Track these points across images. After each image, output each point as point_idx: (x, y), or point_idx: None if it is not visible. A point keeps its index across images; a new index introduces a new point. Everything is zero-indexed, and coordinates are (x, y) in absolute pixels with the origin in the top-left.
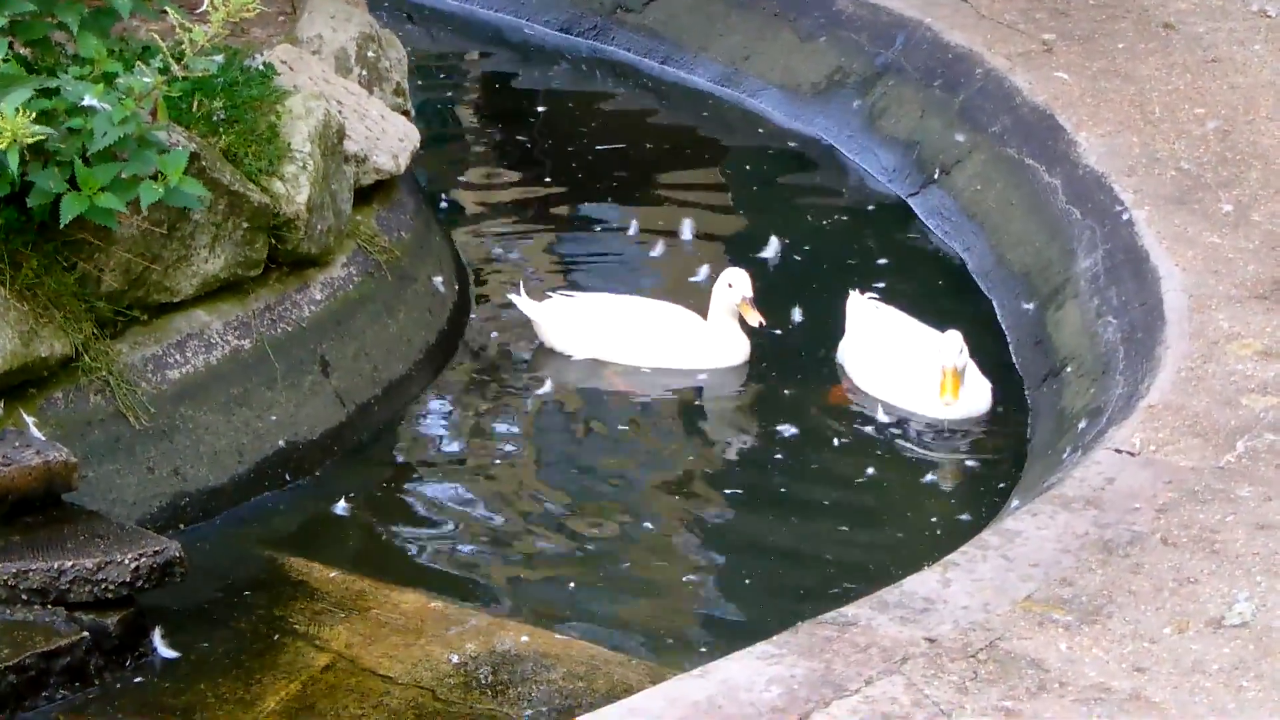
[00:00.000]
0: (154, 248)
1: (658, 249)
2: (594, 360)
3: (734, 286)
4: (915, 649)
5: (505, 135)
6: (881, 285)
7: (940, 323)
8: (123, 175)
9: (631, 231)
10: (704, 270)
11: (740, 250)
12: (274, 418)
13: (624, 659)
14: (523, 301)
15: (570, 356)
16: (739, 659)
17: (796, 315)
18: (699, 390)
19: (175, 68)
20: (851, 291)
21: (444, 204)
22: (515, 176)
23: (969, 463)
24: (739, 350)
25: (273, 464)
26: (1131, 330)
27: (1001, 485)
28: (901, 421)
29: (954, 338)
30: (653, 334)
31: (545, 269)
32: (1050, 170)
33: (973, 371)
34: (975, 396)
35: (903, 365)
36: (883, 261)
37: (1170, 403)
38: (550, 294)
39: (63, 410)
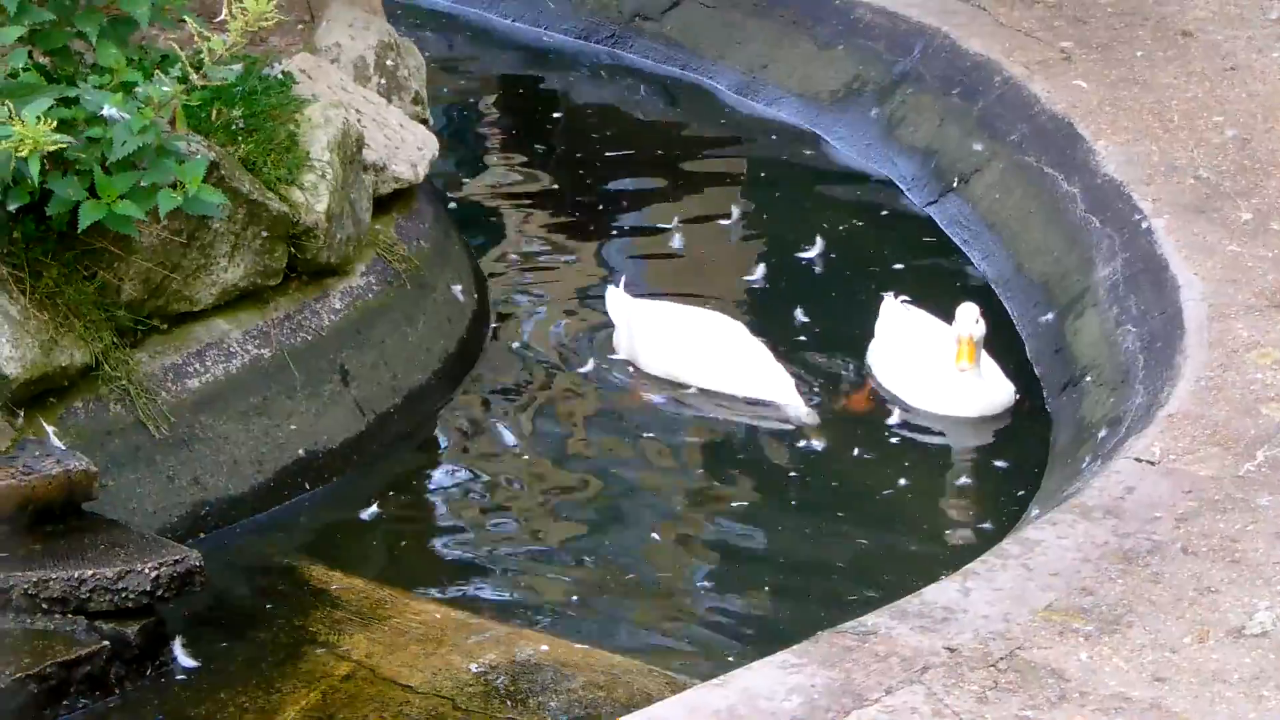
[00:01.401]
0: (173, 256)
1: (677, 241)
2: (624, 370)
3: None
4: (935, 658)
5: (524, 143)
6: (900, 293)
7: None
8: (142, 184)
9: (672, 224)
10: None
11: (768, 255)
12: (294, 427)
13: (644, 668)
14: (615, 297)
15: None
16: (759, 668)
17: (814, 321)
18: (721, 399)
19: (194, 77)
20: (885, 295)
21: (463, 212)
22: (534, 184)
23: (988, 471)
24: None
25: (292, 473)
26: (1151, 339)
27: (1021, 494)
28: (921, 429)
29: (970, 309)
30: (722, 359)
31: (565, 275)
32: (1069, 179)
33: (994, 369)
34: (996, 391)
35: (931, 367)
36: (901, 269)
37: (1190, 412)
38: (637, 297)
39: (83, 419)
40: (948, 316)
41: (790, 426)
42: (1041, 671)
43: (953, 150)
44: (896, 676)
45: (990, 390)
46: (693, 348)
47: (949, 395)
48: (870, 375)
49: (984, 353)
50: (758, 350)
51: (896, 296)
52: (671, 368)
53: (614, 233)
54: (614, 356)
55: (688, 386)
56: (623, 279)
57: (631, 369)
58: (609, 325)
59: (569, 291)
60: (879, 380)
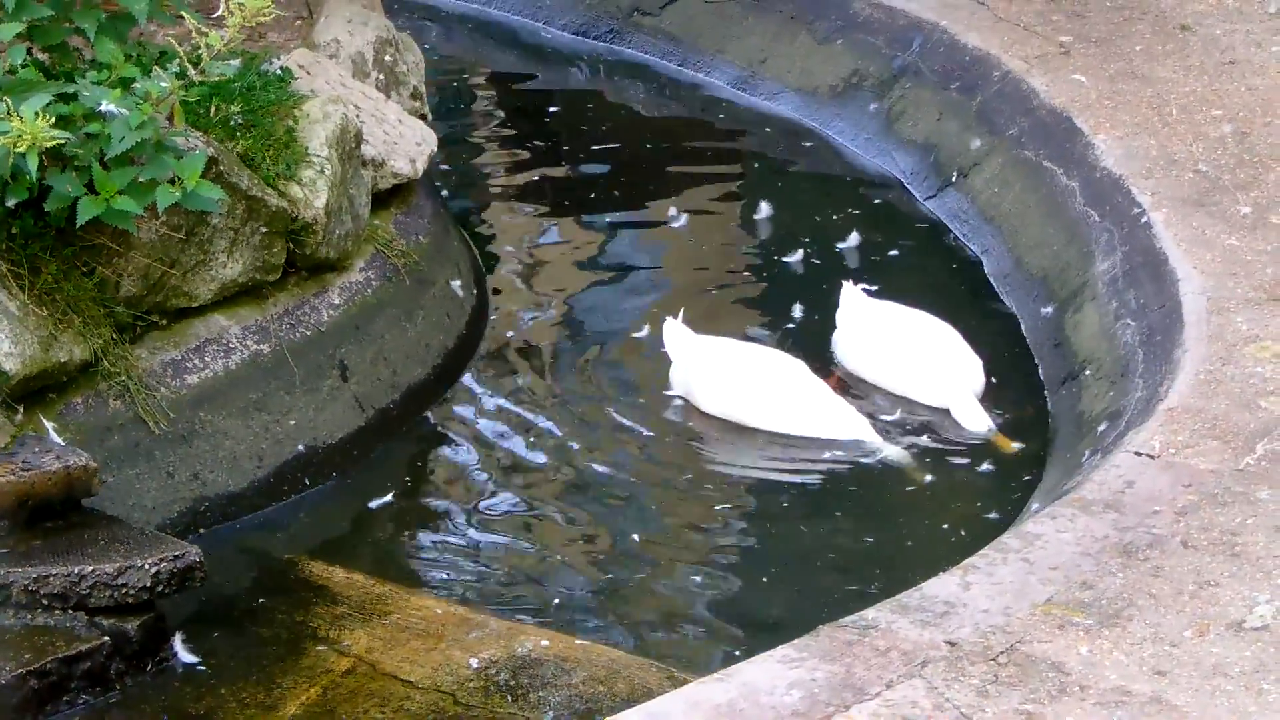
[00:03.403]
0: (172, 252)
1: (681, 223)
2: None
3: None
4: (936, 652)
5: (523, 138)
6: (900, 287)
7: (959, 327)
8: (140, 179)
9: (677, 221)
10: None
11: (771, 248)
12: (293, 422)
13: (644, 663)
14: (673, 330)
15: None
16: (759, 662)
17: (812, 315)
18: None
19: (192, 72)
20: (844, 284)
21: (462, 207)
22: (533, 179)
23: (987, 466)
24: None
25: (292, 468)
26: (1150, 333)
27: (1021, 487)
28: (917, 423)
29: (979, 420)
30: (789, 401)
31: (563, 269)
32: (1068, 173)
33: (963, 349)
34: (970, 377)
35: (899, 352)
36: (901, 265)
37: (1189, 405)
38: (683, 330)
39: (82, 415)
40: (942, 313)
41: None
42: (1042, 665)
43: (952, 144)
44: (897, 670)
45: (957, 375)
46: (755, 389)
47: (921, 383)
48: (837, 364)
49: (956, 334)
50: (824, 391)
51: (855, 284)
52: (731, 409)
53: (613, 227)
54: (669, 392)
55: (749, 428)
56: (681, 312)
57: (685, 404)
58: (606, 321)
59: (567, 285)
60: (846, 368)
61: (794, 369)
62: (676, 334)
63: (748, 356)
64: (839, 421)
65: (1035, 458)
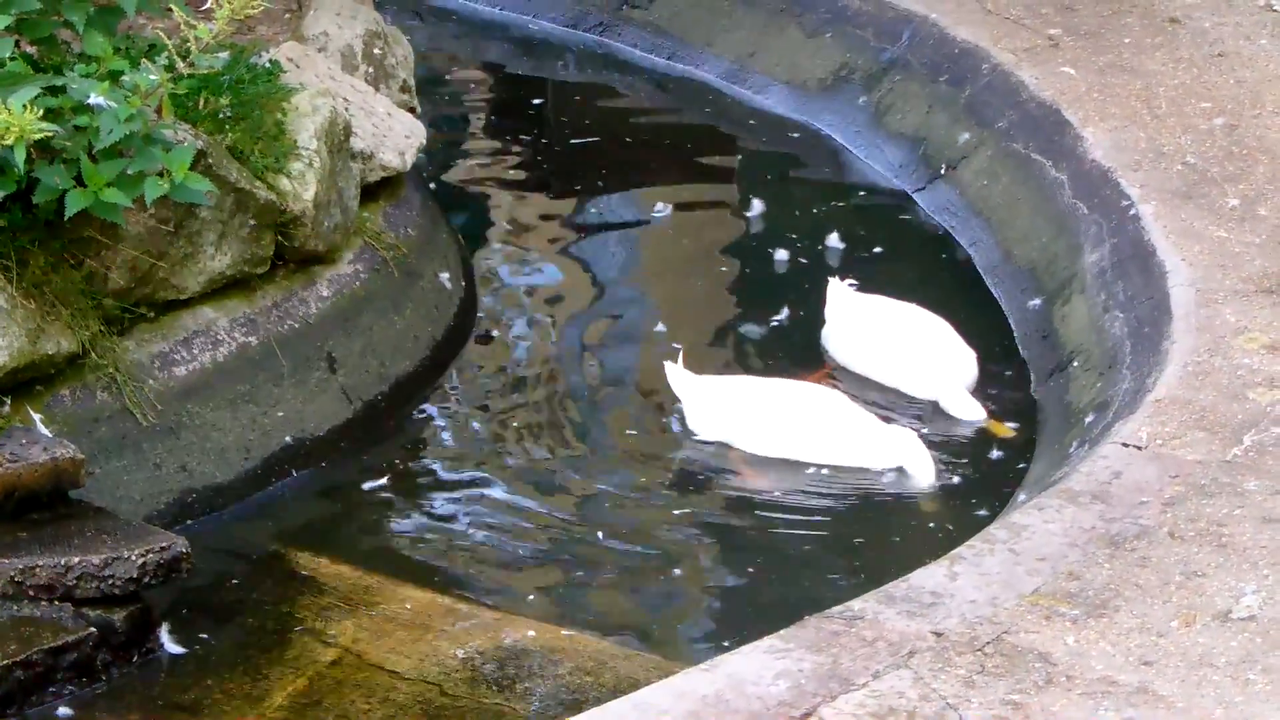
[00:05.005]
0: (161, 245)
1: (665, 214)
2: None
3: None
4: (922, 643)
5: (511, 131)
6: (888, 280)
7: (947, 319)
8: (128, 172)
9: (663, 214)
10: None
11: (759, 243)
12: (281, 414)
13: (631, 654)
14: (676, 374)
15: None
16: (746, 653)
17: (799, 311)
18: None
19: (181, 65)
20: (831, 279)
21: (450, 200)
22: (521, 172)
23: (975, 456)
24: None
25: (279, 460)
26: (1138, 324)
27: (1008, 479)
28: (906, 415)
29: (972, 409)
30: (813, 427)
31: (551, 262)
32: (1057, 165)
33: (956, 342)
34: (963, 369)
35: (890, 345)
36: (890, 257)
37: (1177, 397)
38: (684, 371)
39: (70, 407)
40: (931, 306)
41: None
42: (1028, 655)
43: (941, 137)
44: (884, 661)
45: (949, 367)
46: (801, 424)
47: (911, 375)
48: (827, 357)
49: (947, 327)
50: (869, 419)
51: (842, 280)
52: (779, 447)
53: (601, 221)
54: (698, 438)
55: (804, 464)
56: (681, 354)
57: (727, 448)
58: (592, 314)
59: (555, 278)
60: (837, 362)
61: (834, 399)
62: (681, 379)
63: (784, 393)
64: (892, 446)
65: (1023, 449)
